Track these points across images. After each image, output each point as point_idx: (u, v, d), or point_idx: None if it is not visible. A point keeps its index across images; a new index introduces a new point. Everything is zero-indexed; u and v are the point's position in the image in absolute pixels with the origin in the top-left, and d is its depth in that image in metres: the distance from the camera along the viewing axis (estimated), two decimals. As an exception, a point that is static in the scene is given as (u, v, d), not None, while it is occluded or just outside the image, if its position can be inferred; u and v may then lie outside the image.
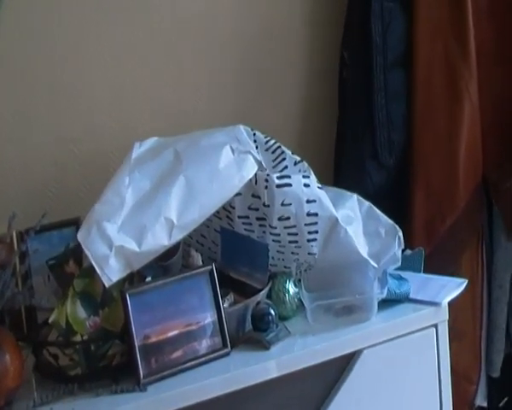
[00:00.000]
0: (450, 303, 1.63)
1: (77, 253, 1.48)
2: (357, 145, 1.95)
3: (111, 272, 1.37)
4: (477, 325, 2.05)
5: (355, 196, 1.66)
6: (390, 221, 1.65)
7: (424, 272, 1.75)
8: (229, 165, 1.50)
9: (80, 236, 1.39)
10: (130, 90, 1.82)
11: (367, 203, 1.66)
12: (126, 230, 1.39)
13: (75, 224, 1.65)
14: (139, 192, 1.45)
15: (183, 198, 1.44)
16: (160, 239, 1.41)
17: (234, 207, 1.57)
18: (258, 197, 1.53)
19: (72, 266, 1.49)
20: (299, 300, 1.59)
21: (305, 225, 1.53)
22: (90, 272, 1.41)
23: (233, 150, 1.51)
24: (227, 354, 1.45)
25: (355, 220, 1.62)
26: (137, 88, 1.83)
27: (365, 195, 1.76)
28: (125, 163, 1.52)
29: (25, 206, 1.69)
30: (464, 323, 2.01)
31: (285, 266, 1.62)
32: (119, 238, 1.38)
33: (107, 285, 1.37)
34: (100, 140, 1.80)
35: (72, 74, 1.76)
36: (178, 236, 1.43)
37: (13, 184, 1.71)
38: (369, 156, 1.94)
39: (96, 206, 1.42)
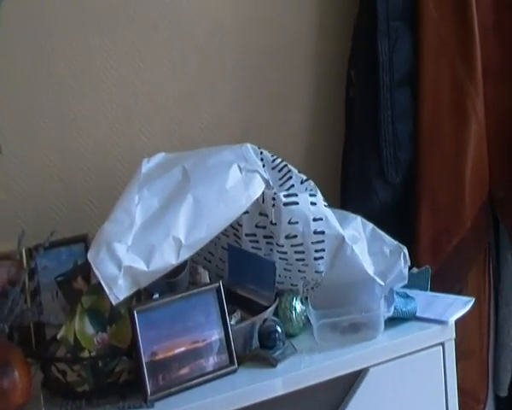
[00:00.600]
0: (457, 322, 1.63)
1: (85, 269, 1.49)
2: (364, 163, 1.96)
3: (119, 292, 1.38)
4: (484, 343, 2.05)
5: (359, 217, 1.67)
6: (394, 241, 1.65)
7: (431, 290, 1.76)
8: (237, 184, 1.51)
9: (90, 256, 1.40)
10: (136, 108, 1.84)
11: (370, 225, 1.66)
12: (135, 249, 1.41)
13: (83, 240, 1.66)
14: (148, 210, 1.46)
15: (191, 217, 1.46)
16: (167, 258, 1.42)
17: (241, 225, 1.58)
18: (266, 215, 1.54)
19: (80, 283, 1.50)
20: (306, 317, 1.59)
21: (312, 243, 1.54)
22: (98, 289, 1.42)
23: (240, 169, 1.52)
24: (234, 372, 1.45)
25: (360, 240, 1.62)
26: (143, 105, 1.85)
27: (372, 212, 1.77)
28: (134, 180, 1.53)
29: (33, 222, 1.71)
30: (471, 341, 2.01)
31: (292, 284, 1.63)
32: (128, 258, 1.39)
33: (114, 304, 1.38)
34: (106, 157, 1.81)
35: (78, 92, 1.77)
36: (186, 255, 1.45)
37: (21, 201, 1.72)
38: (375, 174, 1.95)
39: (105, 225, 1.43)
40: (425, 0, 1.91)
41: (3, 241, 1.56)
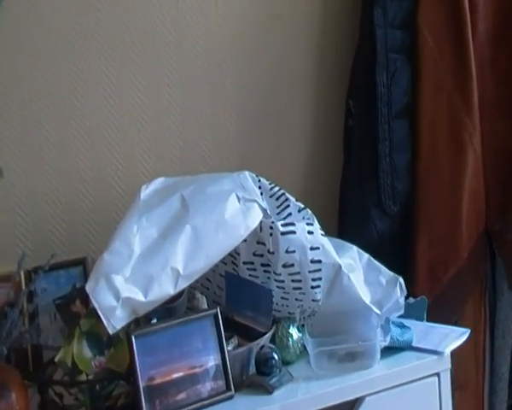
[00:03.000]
0: (452, 352, 1.63)
1: (83, 293, 1.48)
2: (362, 193, 1.97)
3: (116, 322, 1.39)
4: (480, 374, 2.05)
5: (355, 247, 1.67)
6: (390, 272, 1.66)
7: (427, 321, 1.76)
8: (235, 214, 1.51)
9: (89, 287, 1.40)
10: (136, 133, 1.85)
11: (366, 255, 1.67)
12: (133, 280, 1.42)
13: (82, 264, 1.67)
14: (147, 240, 1.47)
15: (190, 248, 1.47)
16: (165, 289, 1.43)
17: (239, 253, 1.58)
18: (263, 244, 1.55)
19: (78, 306, 1.50)
20: (303, 345, 1.59)
21: (309, 271, 1.55)
22: (97, 313, 1.42)
23: (239, 199, 1.53)
24: (231, 398, 1.45)
25: (356, 269, 1.63)
26: (144, 132, 1.86)
27: (369, 242, 1.78)
28: (132, 208, 1.54)
29: (33, 245, 1.72)
30: (467, 372, 2.01)
31: (289, 312, 1.63)
32: (126, 289, 1.40)
33: (111, 333, 1.39)
34: (106, 181, 1.82)
35: (80, 118, 1.79)
36: (184, 285, 1.46)
37: (22, 224, 1.73)
38: (373, 204, 1.95)
39: (104, 255, 1.44)
40: (423, 34, 1.94)
41: (3, 263, 1.57)
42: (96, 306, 1.38)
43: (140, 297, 1.40)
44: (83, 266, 1.67)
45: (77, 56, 1.78)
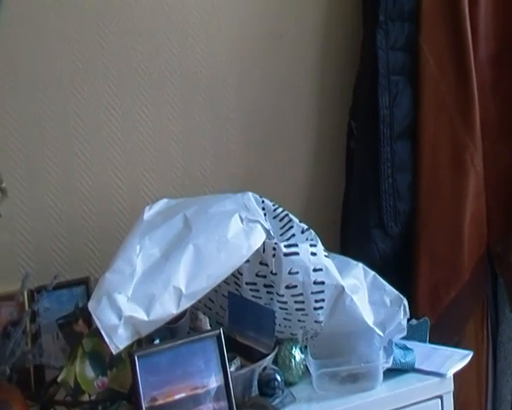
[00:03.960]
0: (455, 374, 1.63)
1: (86, 312, 1.48)
2: (364, 214, 1.97)
3: (119, 341, 1.38)
4: (482, 396, 2.05)
5: (360, 264, 1.68)
6: (395, 291, 1.66)
7: (429, 342, 1.76)
8: (238, 234, 1.51)
9: (91, 306, 1.41)
10: (139, 153, 1.86)
11: (372, 273, 1.68)
12: (136, 299, 1.42)
13: (85, 283, 1.68)
14: (149, 260, 1.47)
15: (192, 267, 1.46)
16: (168, 308, 1.43)
17: (242, 274, 1.58)
18: (266, 265, 1.55)
19: (81, 325, 1.50)
20: (305, 366, 1.59)
21: (312, 293, 1.54)
22: (99, 332, 1.42)
23: (242, 219, 1.53)
24: (233, 419, 1.45)
25: (361, 289, 1.63)
26: (147, 152, 1.87)
27: (371, 262, 1.77)
28: (135, 227, 1.54)
29: (35, 263, 1.72)
30: (469, 394, 2.00)
31: (292, 333, 1.63)
32: (128, 308, 1.40)
33: (114, 353, 1.38)
34: (109, 200, 1.83)
35: (83, 137, 1.80)
36: (186, 304, 1.45)
37: (24, 243, 1.73)
38: (375, 225, 1.96)
39: (107, 274, 1.44)
40: (425, 56, 1.95)
41: (5, 281, 1.57)
42: (99, 325, 1.38)
43: (142, 316, 1.40)
44: (85, 286, 1.67)
45: (81, 77, 1.79)
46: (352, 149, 2.04)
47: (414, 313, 1.79)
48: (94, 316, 1.39)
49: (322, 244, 1.59)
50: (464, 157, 1.96)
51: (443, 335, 1.87)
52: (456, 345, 1.86)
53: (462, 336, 1.99)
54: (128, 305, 1.40)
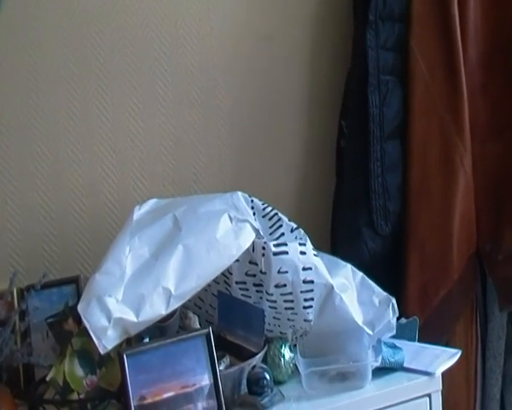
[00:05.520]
0: (444, 373, 1.63)
1: (76, 311, 1.48)
2: (354, 213, 1.97)
3: (107, 342, 1.39)
4: (471, 395, 2.05)
5: (349, 265, 1.68)
6: (383, 292, 1.66)
7: (418, 341, 1.77)
8: (227, 234, 1.52)
9: (80, 307, 1.41)
10: (129, 152, 1.86)
11: (360, 274, 1.68)
12: (125, 300, 1.42)
13: (75, 282, 1.68)
14: (139, 260, 1.48)
15: (181, 268, 1.47)
16: (157, 309, 1.43)
17: (231, 273, 1.59)
18: (256, 264, 1.55)
19: (70, 324, 1.50)
20: (295, 365, 1.59)
21: (301, 292, 1.55)
22: (88, 332, 1.42)
23: (231, 219, 1.54)
24: (222, 418, 1.45)
25: (349, 289, 1.63)
26: (138, 151, 1.87)
27: (361, 261, 1.78)
28: (125, 227, 1.54)
29: (25, 262, 1.72)
30: (458, 393, 2.01)
31: (281, 332, 1.63)
32: (118, 310, 1.40)
33: (102, 353, 1.38)
34: (99, 199, 1.83)
35: (74, 136, 1.80)
36: (175, 305, 1.46)
37: (14, 241, 1.73)
38: (365, 224, 1.96)
39: (96, 276, 1.44)
40: (415, 57, 1.95)
41: (-6, 280, 1.58)
42: (88, 326, 1.38)
43: (132, 317, 1.40)
44: (76, 285, 1.68)
45: (72, 75, 1.79)
46: (343, 149, 2.05)
47: (403, 313, 1.79)
48: (83, 318, 1.39)
49: (313, 243, 1.59)
50: (454, 158, 1.96)
51: (432, 334, 1.88)
52: (446, 344, 1.87)
53: (451, 336, 2.00)
54: (117, 306, 1.40)
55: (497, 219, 2.02)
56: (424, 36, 1.95)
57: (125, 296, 1.42)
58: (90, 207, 1.82)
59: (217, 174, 1.97)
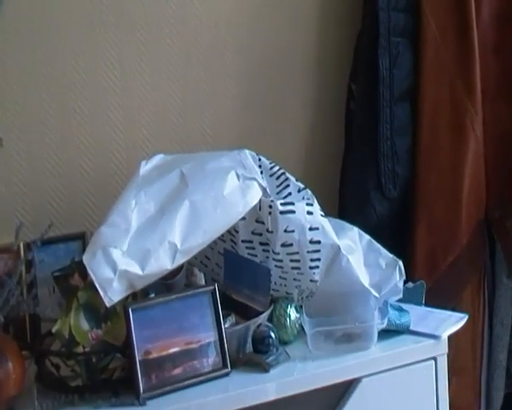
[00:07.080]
0: (450, 338, 1.63)
1: (82, 266, 1.48)
2: (362, 176, 1.96)
3: (113, 294, 1.38)
4: (477, 361, 2.05)
5: (356, 228, 1.67)
6: (390, 254, 1.66)
7: (425, 305, 1.76)
8: (234, 191, 1.51)
9: (86, 258, 1.40)
10: (137, 110, 1.85)
11: (367, 237, 1.67)
12: (131, 253, 1.41)
13: (81, 238, 1.68)
14: (144, 214, 1.47)
15: (188, 223, 1.46)
16: (163, 263, 1.43)
17: (238, 231, 1.58)
18: (262, 223, 1.55)
19: (76, 279, 1.50)
20: (300, 325, 1.59)
21: (308, 252, 1.54)
22: (94, 285, 1.42)
23: (238, 176, 1.53)
24: (227, 375, 1.45)
25: (356, 251, 1.62)
26: (145, 108, 1.86)
27: (368, 225, 1.77)
28: (131, 182, 1.54)
29: (32, 217, 1.72)
30: (464, 359, 2.01)
31: (287, 292, 1.63)
32: (123, 262, 1.40)
33: (108, 305, 1.38)
34: (106, 156, 1.82)
35: (81, 92, 1.79)
36: (181, 260, 1.45)
37: (20, 195, 1.73)
38: (373, 187, 1.95)
39: (102, 228, 1.44)
40: (427, 19, 1.93)
41: (2, 234, 1.57)
42: (93, 277, 1.38)
43: (137, 270, 1.40)
44: (82, 241, 1.68)
45: (80, 29, 1.78)
46: (352, 112, 2.03)
47: (411, 277, 1.78)
48: (88, 269, 1.39)
49: (320, 205, 1.58)
50: (464, 122, 1.95)
51: (439, 300, 1.87)
52: (453, 310, 1.86)
53: (458, 302, 2.00)
54: (123, 259, 1.40)
55: (506, 185, 2.01)
56: (436, -3, 1.93)
57: (131, 249, 1.41)
58: (97, 165, 1.81)
59: (225, 133, 1.95)
